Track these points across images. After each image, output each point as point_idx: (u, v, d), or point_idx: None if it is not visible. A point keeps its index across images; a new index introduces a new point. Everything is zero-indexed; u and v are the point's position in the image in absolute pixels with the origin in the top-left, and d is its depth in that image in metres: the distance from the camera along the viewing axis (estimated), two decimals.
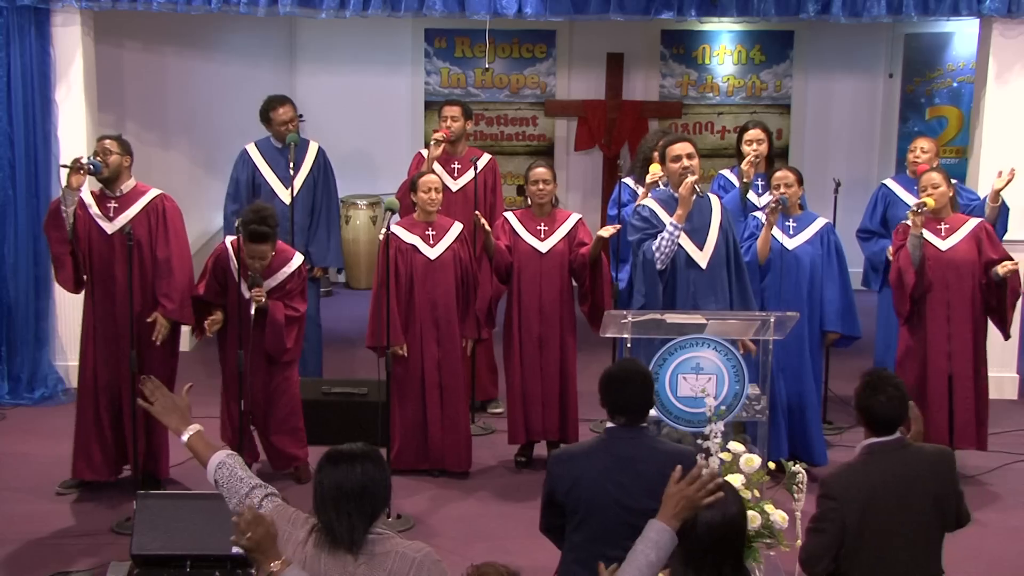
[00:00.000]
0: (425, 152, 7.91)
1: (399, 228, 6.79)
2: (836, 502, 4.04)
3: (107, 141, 6.43)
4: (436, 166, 7.70)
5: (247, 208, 6.56)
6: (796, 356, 6.76)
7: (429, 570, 3.39)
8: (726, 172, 7.86)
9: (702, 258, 6.29)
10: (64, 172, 6.26)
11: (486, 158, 7.89)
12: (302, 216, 7.78)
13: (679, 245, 6.25)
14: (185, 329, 9.30)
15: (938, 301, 6.72)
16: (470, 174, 7.81)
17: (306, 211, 7.85)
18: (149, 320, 6.34)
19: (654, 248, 6.23)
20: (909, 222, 6.67)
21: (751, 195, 7.36)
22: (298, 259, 6.62)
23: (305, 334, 6.87)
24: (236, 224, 6.35)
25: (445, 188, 7.71)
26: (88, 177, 6.29)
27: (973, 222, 6.83)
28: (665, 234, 6.20)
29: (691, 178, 6.17)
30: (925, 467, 4.10)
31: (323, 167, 7.99)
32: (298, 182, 7.79)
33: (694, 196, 6.18)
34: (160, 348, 6.43)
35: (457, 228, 6.89)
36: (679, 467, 3.55)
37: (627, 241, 6.62)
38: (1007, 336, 7.01)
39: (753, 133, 7.44)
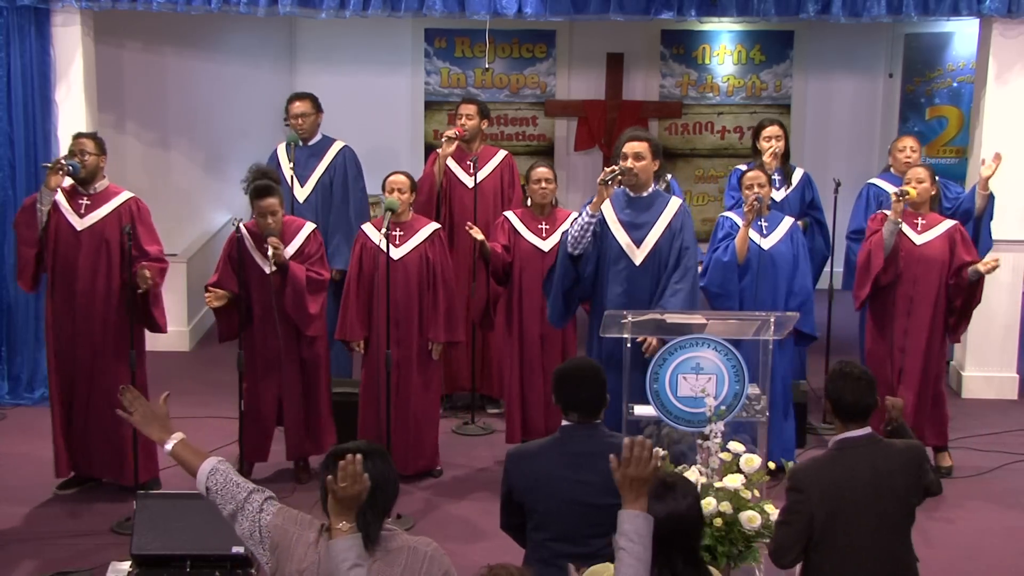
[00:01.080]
0: (440, 150, 7.89)
1: (368, 227, 6.77)
2: (803, 494, 4.05)
3: (84, 140, 6.42)
4: (451, 163, 7.70)
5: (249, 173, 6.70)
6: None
7: (439, 563, 3.42)
8: (742, 167, 7.87)
9: (637, 254, 6.19)
10: (45, 172, 6.28)
11: (501, 155, 7.90)
12: (321, 215, 7.75)
13: (615, 238, 6.16)
14: (185, 330, 9.34)
15: (901, 295, 6.80)
16: (485, 171, 7.81)
17: (324, 210, 7.83)
18: (133, 270, 6.20)
19: (568, 233, 6.19)
20: (889, 211, 6.76)
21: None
22: (310, 226, 6.70)
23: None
24: (245, 190, 6.48)
25: (461, 185, 7.72)
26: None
27: (949, 223, 6.90)
28: (578, 218, 6.15)
29: (608, 169, 6.04)
30: (894, 462, 4.09)
31: (342, 167, 7.91)
32: (312, 181, 7.79)
33: (609, 189, 6.06)
34: (116, 349, 6.37)
35: (430, 229, 6.80)
36: (612, 456, 3.45)
37: None
38: (956, 339, 7.12)
39: (771, 130, 7.57)
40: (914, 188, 6.76)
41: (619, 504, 3.49)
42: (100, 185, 6.46)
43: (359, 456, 3.30)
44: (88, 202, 6.42)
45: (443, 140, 7.74)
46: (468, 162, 7.79)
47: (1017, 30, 8.10)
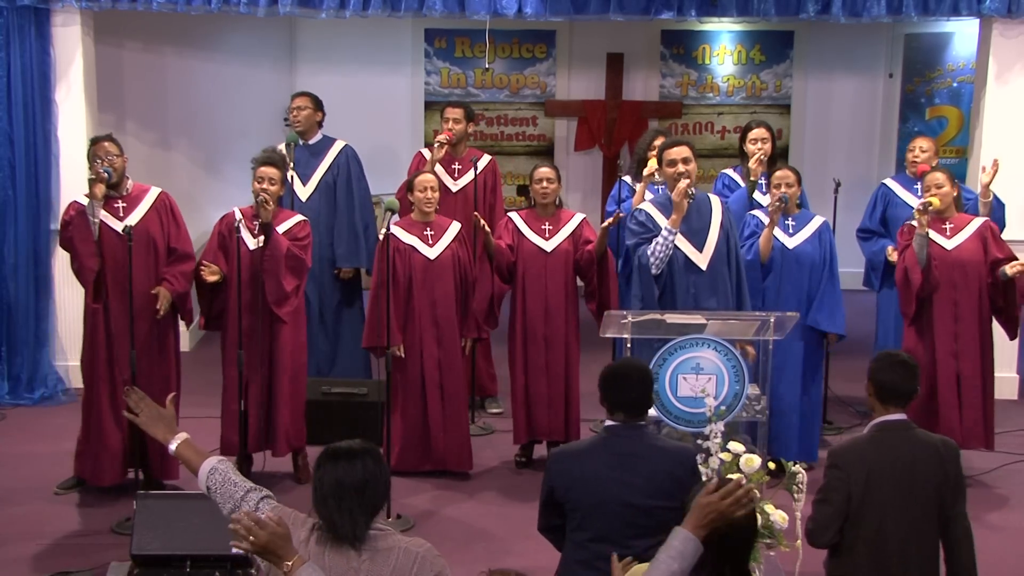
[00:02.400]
0: (426, 151, 7.91)
1: (398, 228, 6.78)
2: (842, 472, 4.12)
3: (106, 145, 6.40)
4: (437, 167, 7.71)
5: None
6: (798, 356, 6.75)
7: (432, 564, 3.41)
8: (730, 171, 7.87)
9: (702, 259, 6.31)
10: (90, 184, 6.22)
11: (486, 159, 7.89)
12: (324, 215, 7.76)
13: (677, 247, 6.27)
14: (184, 330, 9.33)
15: (945, 301, 6.71)
16: (470, 175, 7.81)
17: (329, 210, 7.84)
18: (153, 292, 6.30)
19: (649, 253, 6.25)
20: (915, 222, 6.67)
21: (755, 194, 7.36)
22: (302, 217, 6.76)
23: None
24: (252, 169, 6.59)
25: (445, 189, 7.72)
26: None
27: (978, 221, 6.82)
28: (660, 239, 6.23)
29: (683, 182, 6.19)
30: (931, 451, 4.17)
31: (345, 167, 7.93)
32: (314, 180, 7.80)
33: (687, 200, 6.19)
34: (163, 347, 6.43)
35: (455, 228, 6.89)
36: (716, 480, 3.50)
37: (624, 231, 6.63)
38: (1013, 336, 7.02)
39: (757, 132, 7.46)
40: (935, 195, 6.67)
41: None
42: (128, 185, 6.49)
43: (243, 511, 3.35)
44: (124, 204, 6.42)
45: (435, 144, 7.75)
46: (453, 167, 7.81)
47: (1017, 30, 8.10)
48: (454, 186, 7.81)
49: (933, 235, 6.70)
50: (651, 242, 6.25)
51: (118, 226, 6.34)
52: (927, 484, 4.12)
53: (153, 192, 6.52)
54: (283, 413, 6.64)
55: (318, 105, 7.92)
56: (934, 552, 4.18)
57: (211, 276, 6.45)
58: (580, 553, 4.18)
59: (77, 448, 6.53)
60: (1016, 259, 6.70)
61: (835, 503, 4.12)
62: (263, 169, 6.52)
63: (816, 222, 6.89)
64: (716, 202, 6.47)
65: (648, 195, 7.36)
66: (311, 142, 7.89)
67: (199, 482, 3.64)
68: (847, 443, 4.28)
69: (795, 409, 6.79)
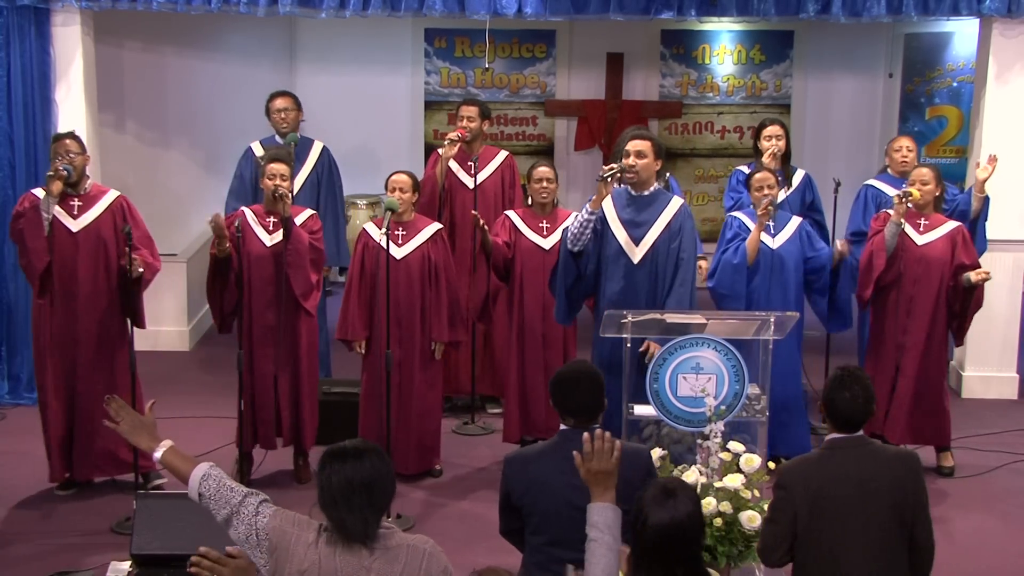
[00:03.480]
0: (442, 151, 7.90)
1: (371, 225, 6.78)
2: (786, 491, 4.04)
3: (67, 142, 6.38)
4: (453, 164, 7.72)
5: None
6: (784, 355, 6.75)
7: (438, 560, 3.43)
8: (743, 168, 7.87)
9: (635, 253, 6.20)
10: (48, 180, 6.22)
11: (503, 155, 7.91)
12: None
13: (615, 236, 6.18)
14: (185, 330, 9.33)
15: (902, 294, 6.82)
16: (486, 172, 7.82)
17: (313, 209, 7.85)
18: (124, 260, 6.22)
19: (568, 229, 6.22)
20: (891, 210, 6.77)
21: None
22: (312, 211, 6.79)
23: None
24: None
25: (462, 186, 7.73)
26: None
27: (952, 224, 6.90)
28: (579, 215, 6.17)
29: (612, 168, 6.05)
30: (882, 467, 4.05)
31: (327, 166, 8.03)
32: (299, 180, 7.80)
33: (610, 186, 6.09)
34: (115, 348, 6.39)
35: (432, 229, 6.80)
36: (575, 453, 3.53)
37: None
38: (960, 342, 7.15)
39: (771, 129, 7.55)
40: (918, 190, 6.75)
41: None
42: (87, 185, 6.48)
43: (201, 550, 3.42)
44: (79, 203, 6.41)
45: (446, 142, 7.74)
46: (469, 163, 7.79)
47: (1017, 30, 8.10)
48: (470, 183, 7.78)
49: (906, 228, 6.78)
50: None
51: (71, 224, 6.34)
52: (881, 501, 4.00)
53: (111, 195, 6.49)
54: (307, 407, 6.72)
55: (299, 105, 7.97)
56: (899, 568, 4.06)
57: (223, 242, 6.39)
58: (537, 556, 4.20)
59: (46, 450, 6.54)
60: (980, 267, 6.76)
61: (780, 523, 4.04)
62: (273, 165, 6.52)
63: (794, 222, 6.94)
64: (674, 205, 6.26)
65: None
66: (284, 142, 7.87)
67: (190, 490, 3.59)
68: (795, 461, 4.19)
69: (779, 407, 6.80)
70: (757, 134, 7.66)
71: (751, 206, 7.00)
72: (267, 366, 6.62)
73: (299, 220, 6.64)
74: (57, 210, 6.34)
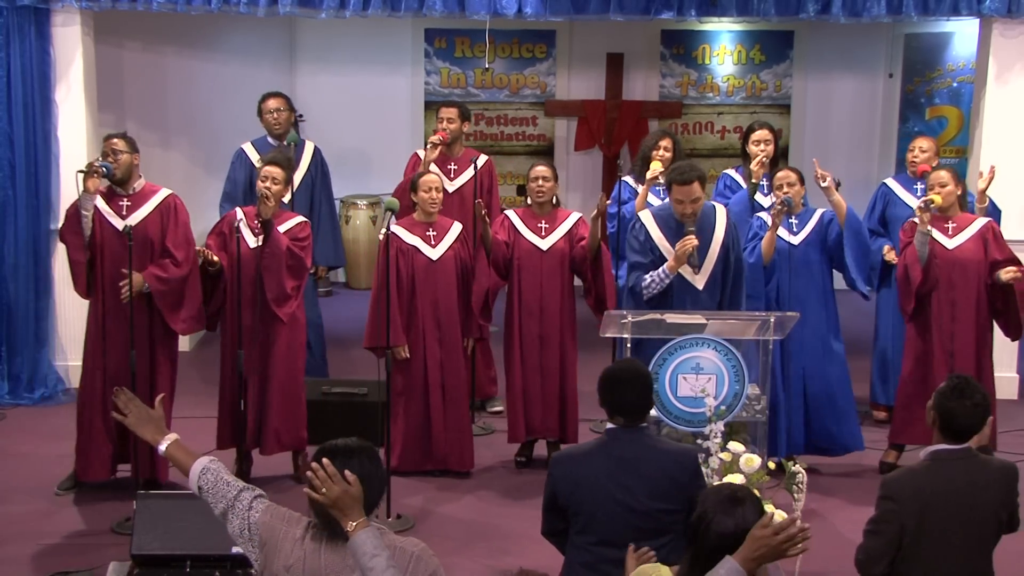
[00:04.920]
0: (422, 152, 7.91)
1: (400, 228, 6.78)
2: (895, 504, 4.01)
3: (115, 140, 6.42)
4: (432, 167, 7.71)
5: None
6: (818, 352, 6.76)
7: (427, 564, 3.40)
8: (731, 172, 7.86)
9: (699, 280, 6.25)
10: (80, 177, 6.23)
11: (483, 159, 7.89)
12: (306, 216, 7.74)
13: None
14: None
15: (943, 300, 6.72)
16: (466, 175, 7.82)
17: (305, 211, 7.84)
18: (124, 270, 6.20)
19: (643, 286, 6.22)
20: (917, 219, 6.68)
21: (757, 196, 7.35)
22: (303, 218, 6.78)
23: (308, 338, 6.91)
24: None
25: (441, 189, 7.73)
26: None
27: (981, 221, 6.82)
28: (656, 276, 6.18)
29: (689, 245, 6.07)
30: (990, 480, 4.06)
31: (320, 167, 8.05)
32: (296, 181, 7.80)
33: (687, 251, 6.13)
34: (164, 348, 6.44)
35: (457, 228, 6.90)
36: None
37: (626, 240, 6.61)
38: (1016, 337, 7.00)
39: (760, 134, 7.47)
40: (938, 194, 6.67)
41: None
42: (138, 184, 6.46)
43: (325, 461, 3.33)
44: (128, 203, 6.42)
45: (428, 145, 7.75)
46: (449, 167, 7.81)
47: (1017, 30, 8.10)
48: (450, 186, 7.80)
49: (935, 234, 6.70)
50: (646, 270, 6.21)
51: (119, 223, 6.34)
52: (985, 515, 4.02)
53: (162, 193, 6.49)
54: (273, 413, 6.62)
55: (291, 106, 7.97)
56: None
57: (210, 256, 6.41)
58: (584, 556, 4.17)
59: (77, 449, 6.53)
60: (1016, 260, 6.71)
61: (887, 535, 4.01)
62: (268, 168, 6.54)
63: (817, 215, 6.87)
64: (720, 216, 6.33)
65: (652, 198, 7.36)
66: (285, 143, 7.88)
67: (190, 482, 3.63)
68: (901, 473, 4.17)
69: (823, 403, 6.81)
70: (745, 137, 7.59)
71: (752, 208, 7.01)
72: (245, 366, 6.59)
73: (286, 226, 6.60)
74: (106, 209, 6.36)
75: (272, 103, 7.92)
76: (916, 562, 3.99)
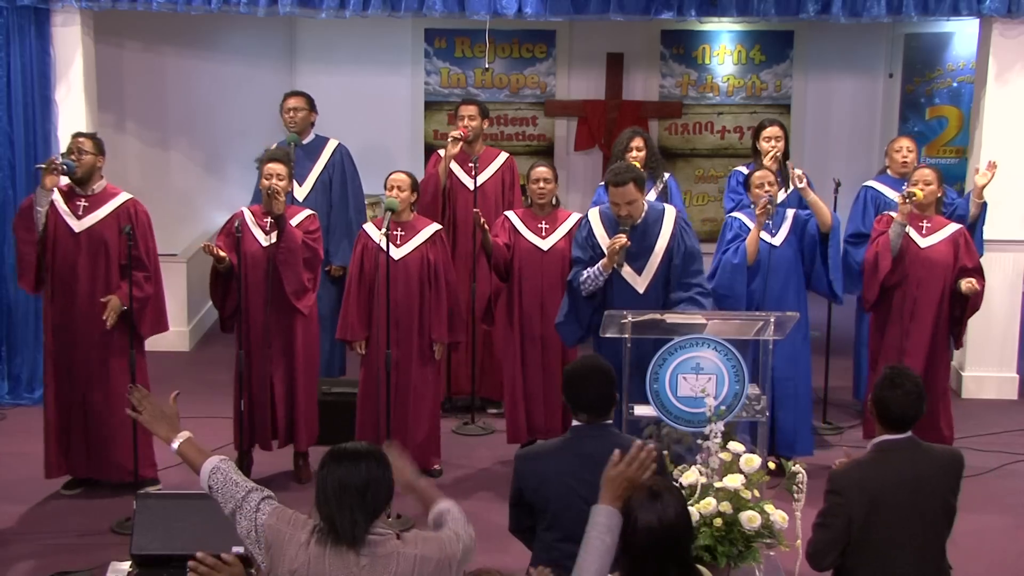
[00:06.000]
0: (443, 152, 7.89)
1: (370, 226, 6.78)
2: (842, 497, 4.05)
3: (82, 140, 6.41)
4: (453, 165, 7.71)
5: None
6: (788, 354, 6.74)
7: (426, 559, 3.45)
8: (742, 168, 7.87)
9: (639, 283, 6.25)
10: (39, 172, 6.26)
11: (503, 157, 7.90)
12: (320, 214, 7.70)
13: (615, 270, 6.22)
14: (185, 330, 9.33)
15: (906, 296, 6.80)
16: (487, 173, 7.81)
17: (323, 209, 7.83)
18: (103, 300, 6.26)
19: (580, 280, 6.24)
20: (895, 213, 6.76)
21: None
22: (311, 211, 6.79)
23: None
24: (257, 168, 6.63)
25: (462, 186, 7.73)
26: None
27: (954, 227, 6.89)
28: (592, 272, 6.19)
29: (620, 240, 6.06)
30: (935, 468, 4.08)
31: (340, 165, 7.99)
32: (311, 179, 7.80)
33: (619, 256, 6.11)
34: (117, 349, 6.37)
35: (431, 229, 6.78)
36: (617, 451, 3.54)
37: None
38: (958, 345, 7.15)
39: (771, 130, 7.54)
40: (921, 190, 6.73)
41: None
42: (98, 186, 6.45)
43: (200, 554, 3.46)
44: (86, 203, 6.41)
45: (448, 141, 7.73)
46: (470, 164, 7.79)
47: (1017, 30, 8.10)
48: (471, 184, 7.77)
49: (909, 230, 6.77)
50: (586, 267, 6.22)
51: (74, 224, 6.35)
52: (934, 502, 4.03)
53: (121, 198, 6.46)
54: (303, 407, 6.70)
55: (312, 105, 7.96)
56: (943, 567, 4.12)
57: (218, 251, 6.41)
58: (549, 553, 4.19)
59: (44, 448, 6.53)
60: (981, 271, 6.80)
61: (835, 528, 4.06)
62: (270, 165, 6.54)
63: (789, 215, 6.90)
64: (668, 220, 6.27)
65: None
66: (305, 142, 7.92)
67: (201, 481, 3.64)
68: (848, 466, 4.19)
69: (787, 404, 6.79)
70: (756, 135, 7.65)
71: (751, 207, 7.00)
72: (263, 366, 6.62)
73: (296, 220, 6.64)
74: (64, 209, 6.36)
75: (290, 102, 7.94)
76: (867, 553, 4.03)
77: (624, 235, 6.09)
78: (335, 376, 7.92)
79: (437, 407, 6.96)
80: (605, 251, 6.17)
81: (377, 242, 6.59)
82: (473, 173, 7.69)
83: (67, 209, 6.37)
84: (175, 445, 3.72)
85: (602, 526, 3.43)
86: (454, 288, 6.81)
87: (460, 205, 7.82)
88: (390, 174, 6.78)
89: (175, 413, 3.81)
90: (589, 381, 4.21)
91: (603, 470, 4.05)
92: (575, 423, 4.24)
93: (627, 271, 6.22)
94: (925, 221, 6.83)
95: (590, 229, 6.35)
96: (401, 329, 6.67)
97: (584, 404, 4.20)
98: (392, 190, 6.67)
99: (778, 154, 7.44)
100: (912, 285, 6.79)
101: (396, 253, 6.66)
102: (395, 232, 6.67)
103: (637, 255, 6.22)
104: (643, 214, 6.22)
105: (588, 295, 6.26)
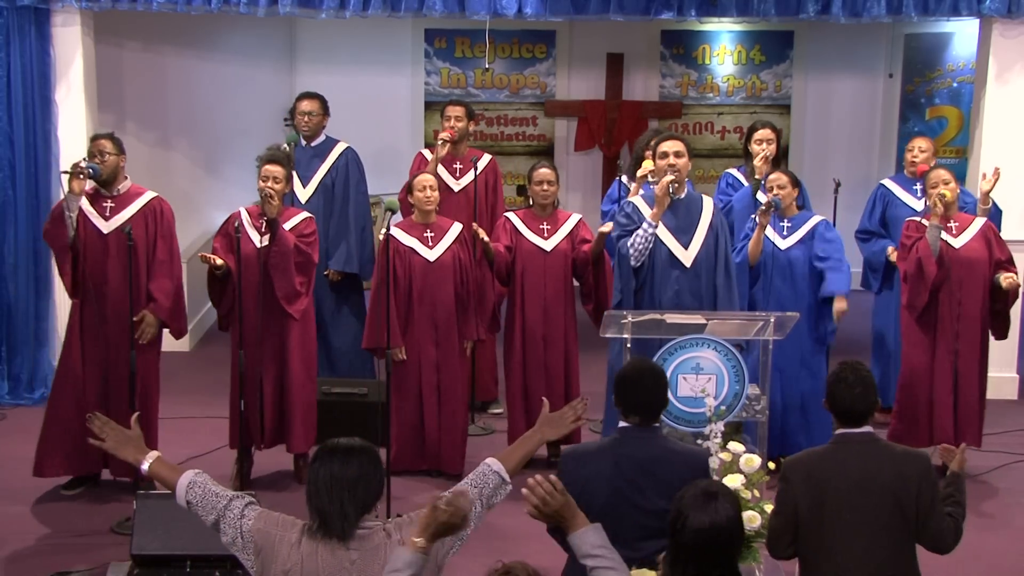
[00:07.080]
0: (426, 152, 7.89)
1: (397, 230, 6.77)
2: (788, 484, 4.06)
3: (102, 141, 6.40)
4: (439, 167, 7.70)
5: None
6: (796, 362, 6.74)
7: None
8: (733, 171, 7.86)
9: (686, 257, 6.28)
10: (65, 178, 6.23)
11: (487, 158, 7.88)
12: (323, 217, 7.69)
13: (661, 242, 6.25)
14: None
15: (949, 299, 6.71)
16: (471, 174, 7.80)
17: (326, 212, 7.80)
18: (136, 319, 6.30)
19: (629, 244, 6.25)
20: (922, 220, 6.69)
21: (759, 194, 7.35)
22: (308, 214, 6.77)
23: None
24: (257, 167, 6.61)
25: (447, 188, 7.71)
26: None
27: (980, 221, 6.84)
28: (640, 230, 6.22)
29: (667, 178, 6.19)
30: (888, 464, 4.04)
31: (344, 169, 7.88)
32: (315, 181, 7.78)
33: (670, 196, 6.20)
34: (147, 348, 6.41)
35: (456, 229, 6.88)
36: (526, 496, 3.50)
37: (614, 220, 6.64)
38: (1002, 337, 7.02)
39: (763, 133, 7.49)
40: (946, 190, 6.66)
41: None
42: (123, 186, 6.45)
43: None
44: (112, 204, 6.40)
45: (437, 143, 7.73)
46: (455, 166, 7.80)
47: (1017, 30, 8.10)
48: (456, 185, 7.80)
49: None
50: (633, 234, 6.25)
51: (102, 225, 6.34)
52: (884, 498, 3.99)
53: (146, 196, 6.47)
54: (298, 410, 6.67)
55: (326, 108, 7.90)
56: (902, 564, 4.06)
57: (216, 260, 6.42)
58: None
59: (40, 444, 6.50)
60: (1013, 261, 6.74)
61: (783, 515, 4.06)
62: (268, 167, 6.52)
63: (812, 222, 6.86)
64: (708, 204, 6.44)
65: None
66: (315, 143, 7.87)
67: (178, 498, 3.64)
68: (800, 454, 4.20)
69: (794, 408, 6.78)
70: (747, 136, 7.61)
71: (755, 206, 7.01)
72: (255, 366, 6.61)
73: (292, 222, 6.61)
74: (91, 211, 6.36)
75: (304, 105, 7.84)
76: (818, 543, 4.02)
77: (672, 174, 6.18)
78: (366, 378, 7.85)
79: (467, 406, 7.09)
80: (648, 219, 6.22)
81: (409, 246, 6.68)
82: (458, 175, 7.71)
83: (94, 211, 6.36)
84: (145, 466, 3.72)
85: (590, 552, 3.39)
86: (480, 284, 6.87)
87: (445, 207, 7.78)
88: (416, 175, 6.87)
89: (139, 435, 3.80)
90: (641, 384, 4.20)
91: (648, 473, 4.07)
92: (622, 424, 4.22)
93: (672, 243, 6.26)
94: (952, 221, 6.76)
95: (635, 206, 6.37)
96: (440, 330, 6.72)
97: (636, 407, 4.19)
98: (424, 191, 6.74)
99: (769, 156, 7.40)
100: (955, 286, 6.69)
101: (430, 255, 6.73)
102: (425, 234, 6.75)
103: (683, 229, 6.26)
104: (686, 189, 6.30)
105: (638, 263, 6.24)
